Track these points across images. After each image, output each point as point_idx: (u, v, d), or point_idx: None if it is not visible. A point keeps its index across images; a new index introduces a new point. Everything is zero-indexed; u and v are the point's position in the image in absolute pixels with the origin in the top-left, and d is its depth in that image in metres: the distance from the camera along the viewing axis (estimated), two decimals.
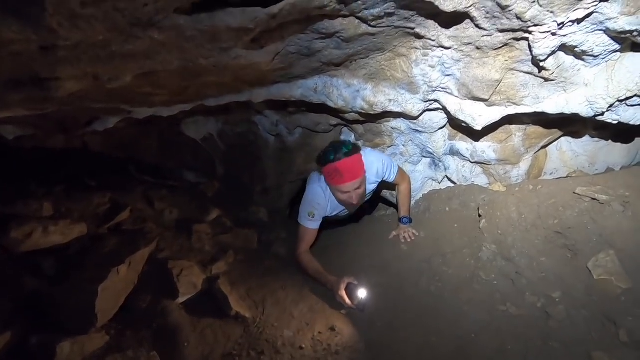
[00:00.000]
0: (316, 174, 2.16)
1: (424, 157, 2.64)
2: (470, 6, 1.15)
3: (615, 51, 1.32)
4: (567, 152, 2.34)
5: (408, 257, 2.10)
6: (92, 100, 1.78)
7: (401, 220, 2.30)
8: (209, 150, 3.16)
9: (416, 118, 2.08)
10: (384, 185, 2.33)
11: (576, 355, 1.35)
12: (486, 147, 2.28)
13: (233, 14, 1.12)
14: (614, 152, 2.16)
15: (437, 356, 1.45)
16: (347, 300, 1.75)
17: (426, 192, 2.70)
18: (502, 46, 1.37)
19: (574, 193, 1.57)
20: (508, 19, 1.16)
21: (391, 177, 2.16)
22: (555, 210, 1.63)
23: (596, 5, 1.06)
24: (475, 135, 2.09)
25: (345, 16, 1.25)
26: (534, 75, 1.51)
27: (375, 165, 2.05)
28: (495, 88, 1.63)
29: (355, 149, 1.87)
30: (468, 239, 2.00)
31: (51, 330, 1.58)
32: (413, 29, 1.38)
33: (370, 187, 2.14)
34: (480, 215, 1.99)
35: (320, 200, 2.05)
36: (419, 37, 1.44)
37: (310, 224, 2.08)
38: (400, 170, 2.23)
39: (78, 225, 1.96)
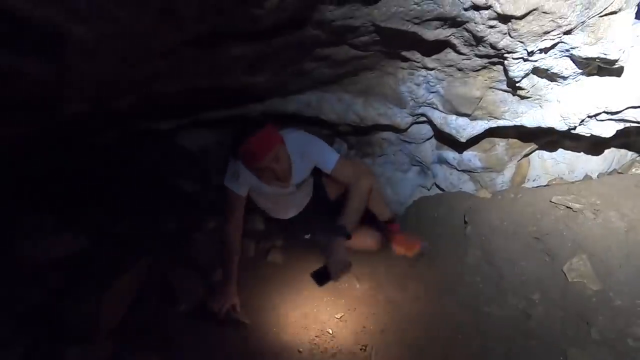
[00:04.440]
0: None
1: (413, 165, 2.75)
2: (450, 35, 1.26)
3: (583, 73, 1.44)
4: (548, 160, 2.47)
5: (396, 260, 2.18)
6: (93, 118, 1.86)
7: (337, 231, 1.61)
8: (204, 160, 3.24)
9: (405, 130, 2.19)
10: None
11: (553, 353, 1.46)
12: (472, 156, 2.40)
13: (235, 46, 1.21)
14: (591, 161, 2.29)
15: (423, 356, 1.55)
16: (218, 311, 1.79)
17: (416, 199, 2.81)
18: (481, 68, 1.49)
19: (551, 201, 1.69)
20: (484, 47, 1.28)
21: (325, 164, 1.70)
22: (533, 217, 1.75)
23: (561, 37, 1.18)
24: (461, 146, 2.20)
25: (336, 44, 1.36)
26: (512, 93, 1.63)
27: (297, 143, 1.70)
28: (477, 104, 1.75)
29: (259, 124, 1.61)
30: (455, 244, 2.11)
31: (58, 340, 1.65)
32: (399, 52, 1.49)
33: (301, 173, 1.78)
34: (466, 222, 2.10)
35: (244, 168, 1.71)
36: (405, 59, 1.55)
37: (235, 186, 1.76)
38: (346, 161, 1.74)
39: (80, 237, 2.02)
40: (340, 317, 1.87)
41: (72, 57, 0.95)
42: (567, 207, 1.62)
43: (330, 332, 1.77)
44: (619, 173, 2.29)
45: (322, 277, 1.57)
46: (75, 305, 1.70)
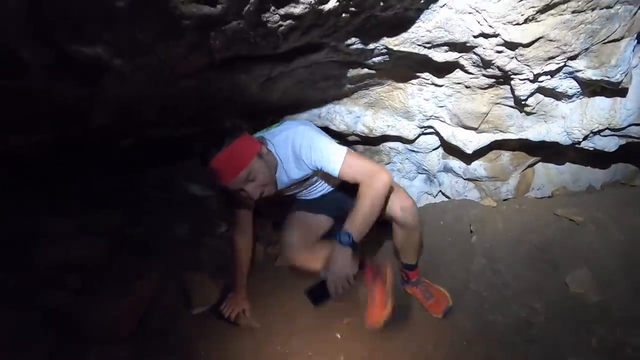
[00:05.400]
0: None
1: (420, 173, 2.81)
2: (459, 57, 1.32)
3: (587, 92, 1.50)
4: (552, 170, 2.52)
5: None
6: (115, 127, 1.94)
7: (338, 238, 1.35)
8: None
9: (412, 141, 2.26)
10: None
11: None
12: (477, 165, 2.45)
13: (254, 66, 1.28)
14: (595, 171, 2.34)
15: None
16: (224, 314, 1.85)
17: (422, 206, 2.86)
18: (488, 87, 1.55)
19: (554, 214, 1.75)
20: (492, 69, 1.34)
21: (329, 170, 1.40)
22: (537, 228, 1.81)
23: (565, 62, 1.24)
24: (467, 157, 2.26)
25: (350, 64, 1.42)
26: (518, 109, 1.69)
27: (287, 147, 1.45)
28: (484, 119, 1.81)
29: (232, 134, 1.37)
30: (460, 252, 2.17)
31: (78, 341, 1.73)
32: (409, 70, 1.55)
33: (299, 174, 1.52)
34: (471, 231, 2.16)
35: None
36: (414, 77, 1.61)
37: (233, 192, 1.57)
38: (354, 160, 1.40)
39: (98, 241, 2.10)
40: (348, 322, 1.94)
41: (107, 82, 1.02)
42: (570, 219, 1.68)
43: (339, 336, 1.83)
44: (622, 184, 2.34)
45: (318, 295, 1.35)
46: (96, 309, 1.78)
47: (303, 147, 1.41)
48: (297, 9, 0.82)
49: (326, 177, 1.67)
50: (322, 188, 1.81)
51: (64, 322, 1.71)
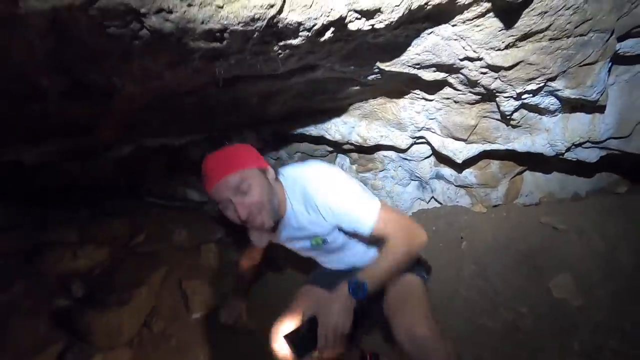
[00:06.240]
0: None
1: (413, 180, 2.90)
2: (447, 76, 1.41)
3: (568, 108, 1.59)
4: (540, 177, 2.61)
5: None
6: (119, 138, 2.00)
7: (350, 285, 1.07)
8: None
9: (405, 150, 2.34)
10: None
11: None
12: (468, 173, 2.54)
13: (253, 84, 1.36)
14: (580, 179, 2.44)
15: None
16: (226, 320, 1.90)
17: (415, 211, 2.95)
18: (476, 102, 1.63)
19: (540, 222, 1.83)
20: (478, 87, 1.42)
21: (359, 229, 1.15)
22: (523, 235, 1.89)
23: (545, 82, 1.32)
24: (458, 166, 2.35)
25: (345, 81, 1.50)
26: (504, 122, 1.78)
27: (301, 188, 1.18)
28: (472, 131, 1.89)
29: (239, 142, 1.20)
30: (451, 258, 2.25)
31: (83, 346, 1.79)
32: (401, 87, 1.64)
33: (307, 219, 1.21)
34: (462, 237, 2.24)
35: None
36: (406, 92, 1.69)
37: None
38: (388, 215, 1.16)
39: (101, 249, 2.16)
40: None
41: (116, 102, 1.09)
42: (554, 227, 1.76)
43: None
44: (607, 191, 2.44)
45: (302, 344, 1.06)
46: (99, 317, 1.84)
47: (320, 188, 1.12)
48: (296, 41, 0.90)
49: (355, 236, 1.28)
50: (352, 255, 1.35)
51: (70, 329, 1.77)
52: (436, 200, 2.88)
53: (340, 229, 1.21)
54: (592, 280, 1.61)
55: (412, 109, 1.89)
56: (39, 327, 1.73)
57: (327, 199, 1.12)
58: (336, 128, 2.26)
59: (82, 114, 1.17)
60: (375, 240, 1.24)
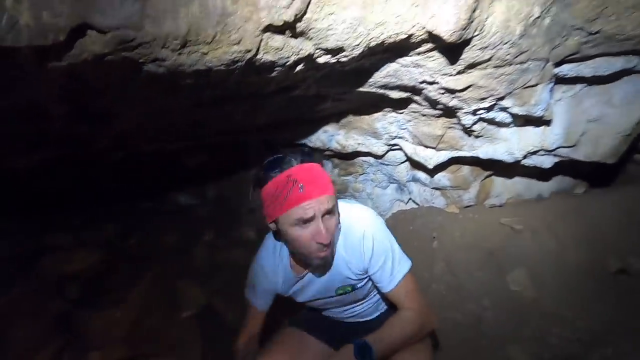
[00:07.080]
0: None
1: (391, 182, 3.08)
2: (411, 95, 1.58)
3: (521, 122, 1.78)
4: (508, 180, 2.82)
5: None
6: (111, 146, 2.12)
7: (357, 347, 1.07)
8: (201, 175, 3.50)
9: (382, 156, 2.51)
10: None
11: (498, 349, 1.79)
12: (441, 177, 2.73)
13: (237, 102, 1.50)
14: (541, 182, 2.65)
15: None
16: None
17: (394, 212, 3.13)
18: (440, 115, 1.81)
19: (500, 222, 2.02)
20: (439, 104, 1.59)
21: (383, 282, 1.14)
22: (487, 235, 2.08)
23: (496, 101, 1.50)
24: (430, 170, 2.53)
25: (322, 98, 1.66)
26: (467, 133, 1.96)
27: (346, 225, 1.13)
28: (440, 139, 2.07)
29: (310, 155, 1.10)
30: (424, 256, 2.43)
31: (81, 344, 1.92)
32: (373, 103, 1.80)
33: (343, 272, 1.16)
34: (434, 237, 2.43)
35: (266, 262, 1.25)
36: (377, 107, 1.86)
37: (251, 296, 1.33)
38: (411, 284, 1.17)
39: (95, 253, 2.28)
40: None
41: (114, 123, 1.22)
42: (512, 227, 1.96)
43: None
44: (567, 192, 2.65)
45: None
46: (93, 317, 1.96)
47: (367, 230, 1.10)
48: (272, 73, 1.05)
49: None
50: (366, 306, 1.32)
51: (67, 329, 1.89)
52: (414, 201, 3.07)
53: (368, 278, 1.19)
54: (544, 275, 1.81)
55: (385, 120, 2.06)
56: (38, 327, 1.85)
57: (371, 242, 1.09)
58: (317, 136, 2.42)
59: (83, 132, 1.30)
60: (384, 299, 1.26)
